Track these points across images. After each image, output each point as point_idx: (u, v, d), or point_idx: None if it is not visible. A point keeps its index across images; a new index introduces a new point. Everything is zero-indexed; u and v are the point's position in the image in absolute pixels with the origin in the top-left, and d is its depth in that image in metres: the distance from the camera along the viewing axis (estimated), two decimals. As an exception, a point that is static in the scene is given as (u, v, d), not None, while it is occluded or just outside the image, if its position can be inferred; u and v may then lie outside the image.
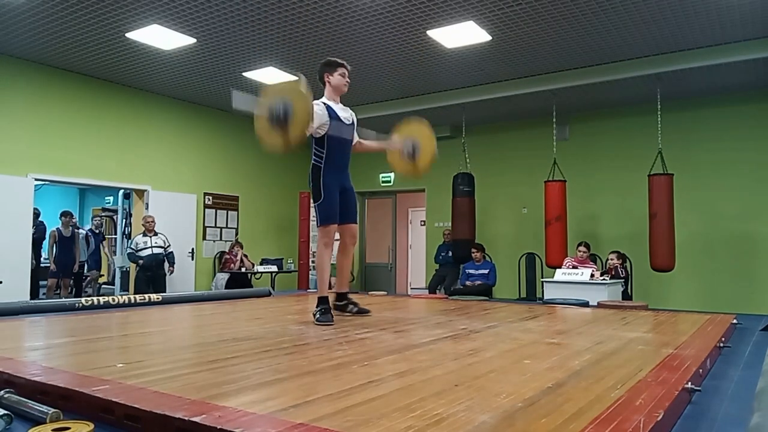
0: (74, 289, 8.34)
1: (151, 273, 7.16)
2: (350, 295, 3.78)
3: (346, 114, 3.52)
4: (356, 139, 3.70)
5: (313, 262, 9.58)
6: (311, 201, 3.52)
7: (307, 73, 7.01)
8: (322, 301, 3.32)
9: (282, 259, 8.87)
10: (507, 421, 1.35)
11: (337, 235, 3.54)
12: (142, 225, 7.38)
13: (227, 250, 8.60)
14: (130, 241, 7.47)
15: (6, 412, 1.44)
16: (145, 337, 3.05)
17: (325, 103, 3.42)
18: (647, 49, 6.08)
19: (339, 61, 3.53)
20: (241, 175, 9.21)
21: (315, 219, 3.49)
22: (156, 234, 7.35)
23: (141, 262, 7.11)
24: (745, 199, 7.07)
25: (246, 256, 8.50)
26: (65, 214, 8.23)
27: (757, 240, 6.97)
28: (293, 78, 3.02)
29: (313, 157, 3.46)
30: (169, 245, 7.39)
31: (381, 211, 10.72)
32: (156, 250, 7.21)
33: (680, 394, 1.62)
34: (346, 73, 3.52)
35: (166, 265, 7.35)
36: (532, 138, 8.49)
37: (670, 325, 3.39)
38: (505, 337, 2.78)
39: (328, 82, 3.50)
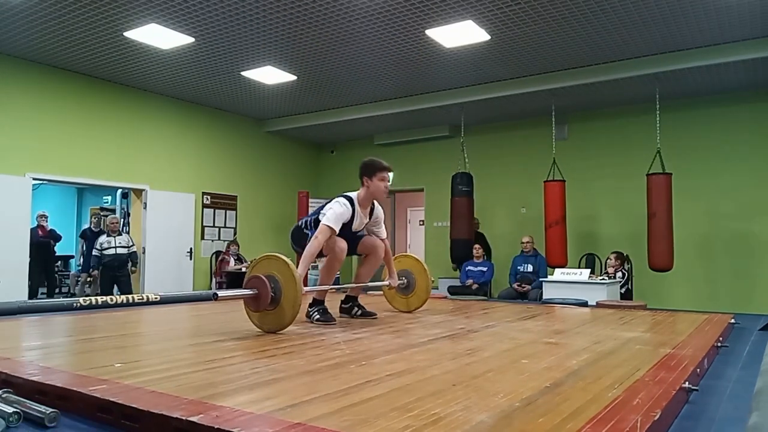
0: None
1: (113, 272, 7.24)
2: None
3: (361, 225, 3.34)
4: (383, 236, 3.52)
5: (313, 262, 9.57)
6: (299, 249, 3.28)
7: (305, 73, 7.03)
8: (316, 301, 3.29)
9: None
10: (504, 421, 1.35)
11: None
12: (107, 226, 7.60)
13: (224, 250, 8.58)
14: (95, 241, 7.56)
15: (15, 409, 1.43)
16: (143, 336, 3.05)
17: (353, 211, 3.22)
18: (646, 48, 6.08)
19: (383, 164, 3.26)
20: (239, 175, 9.20)
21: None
22: (120, 234, 7.47)
23: (105, 261, 7.26)
24: (743, 198, 7.07)
25: (239, 255, 8.42)
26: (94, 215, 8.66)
27: (756, 240, 6.98)
28: (277, 254, 2.82)
29: (302, 222, 3.39)
30: (132, 245, 7.46)
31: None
32: (120, 250, 7.28)
33: (678, 393, 1.62)
34: (387, 177, 3.25)
35: (129, 265, 7.39)
36: (531, 138, 8.49)
37: (668, 325, 3.40)
38: (503, 337, 2.79)
39: (366, 187, 3.26)
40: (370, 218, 3.41)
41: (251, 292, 2.76)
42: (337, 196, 3.30)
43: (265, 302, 2.72)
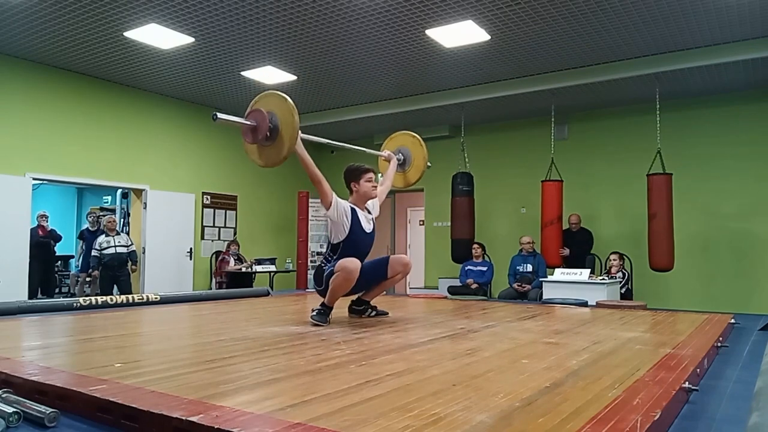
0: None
1: (113, 272, 7.22)
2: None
3: (369, 223, 3.39)
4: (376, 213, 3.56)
5: (312, 261, 9.56)
6: (321, 291, 3.29)
7: (305, 73, 7.04)
8: (325, 305, 3.21)
9: (275, 258, 8.84)
10: (504, 421, 1.35)
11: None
12: (104, 225, 7.58)
13: (224, 250, 8.57)
14: (94, 242, 7.54)
15: (15, 409, 1.43)
16: (143, 336, 3.05)
17: (352, 208, 3.30)
18: (646, 48, 6.08)
19: (365, 166, 3.41)
20: (239, 175, 9.20)
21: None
22: (119, 234, 7.48)
23: (105, 261, 7.23)
24: (744, 198, 7.07)
25: (239, 255, 8.42)
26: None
27: (756, 239, 6.98)
28: (276, 91, 2.93)
29: (322, 259, 3.37)
30: (131, 244, 7.46)
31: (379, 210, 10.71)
32: (119, 249, 7.27)
33: (678, 393, 1.62)
34: (373, 177, 3.40)
35: (129, 264, 7.38)
36: (531, 138, 8.49)
37: (668, 325, 3.40)
38: (503, 337, 2.79)
39: (356, 191, 3.38)
40: (371, 214, 3.49)
41: (251, 123, 2.87)
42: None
43: (263, 133, 2.85)
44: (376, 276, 3.40)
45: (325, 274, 3.25)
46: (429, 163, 4.04)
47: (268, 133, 2.86)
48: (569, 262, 6.85)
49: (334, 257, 3.27)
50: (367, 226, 3.36)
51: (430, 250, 9.56)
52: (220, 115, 2.84)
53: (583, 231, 7.44)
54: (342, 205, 3.25)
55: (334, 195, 3.25)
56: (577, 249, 7.21)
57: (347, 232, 3.25)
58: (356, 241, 3.29)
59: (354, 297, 3.59)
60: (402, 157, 3.96)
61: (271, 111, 2.89)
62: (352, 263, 3.13)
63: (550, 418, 1.37)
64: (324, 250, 3.44)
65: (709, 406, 1.72)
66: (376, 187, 3.42)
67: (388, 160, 3.91)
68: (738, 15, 5.22)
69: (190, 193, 8.40)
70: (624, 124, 7.91)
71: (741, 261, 7.06)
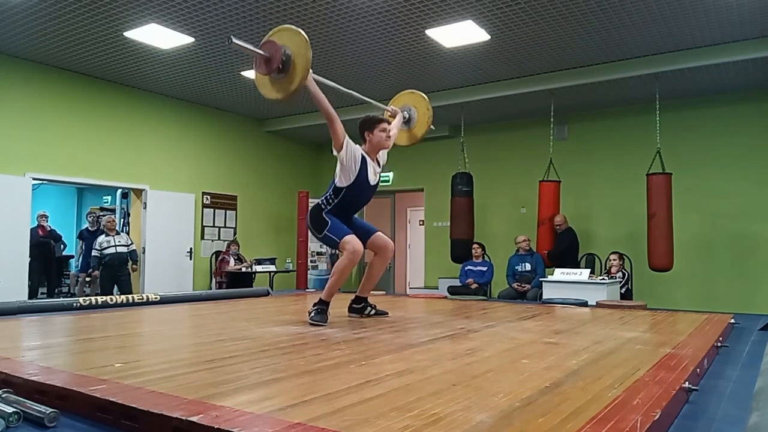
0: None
1: (113, 272, 7.22)
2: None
3: (375, 176, 3.41)
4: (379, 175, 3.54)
5: (312, 261, 9.56)
6: (315, 233, 3.38)
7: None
8: (322, 302, 3.24)
9: (275, 258, 8.83)
10: (504, 421, 1.35)
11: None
12: (104, 225, 7.63)
13: (224, 250, 8.57)
14: (94, 242, 7.55)
15: (15, 409, 1.43)
16: (143, 336, 3.05)
17: (363, 156, 3.32)
18: (646, 48, 6.08)
19: (379, 117, 3.48)
20: (239, 175, 9.20)
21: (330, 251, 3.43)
22: (119, 233, 7.50)
23: (105, 260, 7.23)
24: (743, 198, 7.07)
25: (239, 255, 8.41)
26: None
27: (756, 239, 6.97)
28: (290, 26, 2.97)
29: (322, 199, 3.39)
30: (131, 243, 7.47)
31: (379, 210, 10.71)
32: (120, 249, 7.28)
33: (678, 393, 1.62)
34: (387, 128, 3.44)
35: (130, 264, 7.39)
36: (531, 138, 8.48)
37: (667, 325, 3.40)
38: (503, 337, 2.79)
39: (369, 140, 3.41)
40: (380, 166, 3.51)
41: (265, 54, 2.91)
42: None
43: (276, 64, 2.88)
44: (359, 238, 3.41)
45: (327, 228, 3.27)
46: (433, 126, 4.10)
47: (280, 65, 2.89)
48: (558, 262, 6.84)
49: (335, 201, 3.33)
50: (373, 179, 3.40)
51: (429, 250, 9.56)
52: (235, 39, 2.88)
53: (568, 231, 7.36)
54: (353, 149, 3.29)
55: (347, 137, 3.27)
56: (564, 249, 7.19)
57: (353, 179, 3.28)
58: (359, 190, 3.35)
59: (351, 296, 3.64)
60: (407, 115, 4.05)
61: (284, 45, 2.92)
62: (358, 245, 3.19)
63: (549, 418, 1.37)
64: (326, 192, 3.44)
65: (709, 406, 1.72)
66: (389, 137, 3.45)
67: (393, 115, 3.99)
68: (738, 15, 5.22)
69: (190, 193, 8.40)
70: (624, 124, 7.91)
71: (741, 261, 7.06)
